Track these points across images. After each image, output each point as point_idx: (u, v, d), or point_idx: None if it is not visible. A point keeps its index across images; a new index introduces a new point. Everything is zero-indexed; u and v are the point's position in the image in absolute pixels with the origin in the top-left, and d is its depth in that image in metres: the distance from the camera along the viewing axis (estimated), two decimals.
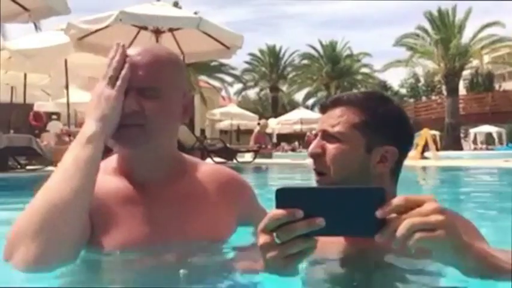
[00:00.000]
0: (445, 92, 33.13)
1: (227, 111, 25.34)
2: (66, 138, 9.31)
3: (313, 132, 1.37)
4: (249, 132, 19.44)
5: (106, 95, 1.20)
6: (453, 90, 30.43)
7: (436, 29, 31.29)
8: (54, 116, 16.60)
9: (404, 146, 1.26)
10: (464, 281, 0.88)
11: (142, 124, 1.22)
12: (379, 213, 0.78)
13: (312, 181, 1.26)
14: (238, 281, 1.04)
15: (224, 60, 32.63)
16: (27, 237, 1.04)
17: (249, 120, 24.50)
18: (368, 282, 1.06)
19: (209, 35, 9.59)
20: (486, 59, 34.11)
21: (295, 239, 0.82)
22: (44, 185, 1.11)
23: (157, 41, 9.49)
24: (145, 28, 9.68)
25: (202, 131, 28.45)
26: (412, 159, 10.92)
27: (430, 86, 49.12)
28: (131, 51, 1.26)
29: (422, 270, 1.05)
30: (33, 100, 15.47)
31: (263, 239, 0.85)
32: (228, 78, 40.12)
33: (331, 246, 1.13)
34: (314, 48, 47.10)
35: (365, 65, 47.37)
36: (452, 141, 28.62)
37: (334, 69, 44.83)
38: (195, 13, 10.96)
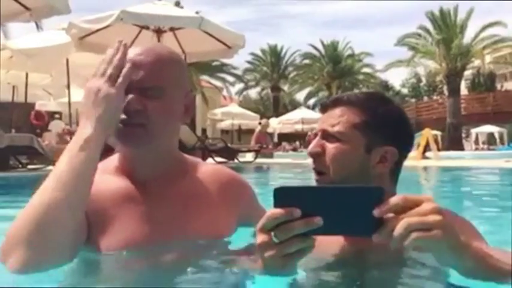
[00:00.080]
0: (446, 92, 33.06)
1: (228, 110, 25.36)
2: (68, 138, 9.32)
3: (314, 131, 1.37)
4: (250, 132, 19.44)
5: (105, 94, 1.16)
6: (455, 90, 30.38)
7: (438, 29, 31.23)
8: (56, 116, 16.65)
9: (404, 146, 1.26)
10: (464, 281, 0.88)
11: (144, 124, 1.21)
12: (376, 212, 0.79)
13: (312, 181, 1.26)
14: (238, 280, 1.04)
15: (226, 60, 32.66)
16: (22, 242, 1.03)
17: (250, 120, 24.51)
18: (367, 282, 1.06)
19: (211, 35, 9.59)
20: (488, 59, 34.06)
21: (293, 238, 0.82)
22: (39, 188, 1.09)
23: (158, 40, 9.49)
24: (147, 28, 9.69)
25: (204, 131, 28.46)
26: (413, 160, 10.92)
27: (432, 86, 49.07)
28: (133, 51, 1.25)
29: (421, 270, 1.05)
30: (34, 99, 15.50)
31: (261, 238, 0.85)
32: (230, 78, 40.16)
33: (330, 245, 1.13)
34: (315, 48, 47.08)
35: (366, 65, 47.31)
36: (453, 142, 28.58)
37: (335, 69, 44.77)
38: (197, 13, 10.94)
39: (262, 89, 51.12)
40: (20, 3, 7.20)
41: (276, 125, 26.80)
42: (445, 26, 31.07)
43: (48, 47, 9.98)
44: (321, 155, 1.22)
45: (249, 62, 48.68)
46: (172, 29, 9.88)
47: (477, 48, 30.30)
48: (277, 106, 46.06)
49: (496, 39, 30.38)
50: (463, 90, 35.67)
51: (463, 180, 7.24)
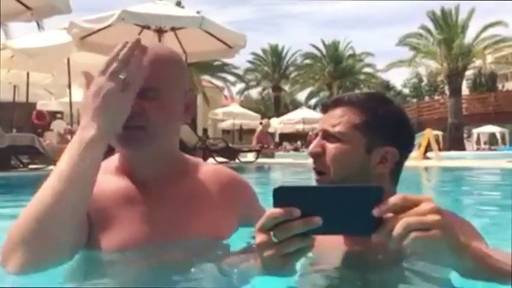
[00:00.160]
0: (447, 92, 33.06)
1: (229, 110, 25.37)
2: (69, 137, 9.33)
3: (314, 131, 1.38)
4: (252, 131, 19.45)
5: (112, 94, 1.11)
6: (456, 90, 30.37)
7: (439, 29, 31.23)
8: (58, 115, 16.67)
9: (405, 147, 1.26)
10: (463, 282, 0.87)
11: (144, 126, 1.20)
12: (375, 212, 0.79)
13: (313, 181, 1.26)
14: (237, 280, 1.04)
15: (227, 60, 32.73)
16: (23, 241, 1.03)
17: (252, 120, 24.52)
18: (366, 282, 1.06)
19: (212, 35, 9.60)
20: (489, 59, 34.00)
21: (292, 238, 0.82)
22: (41, 187, 1.08)
23: (159, 40, 9.50)
24: (148, 27, 9.71)
25: (205, 131, 28.49)
26: (414, 160, 10.91)
27: (433, 86, 49.09)
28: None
29: (420, 270, 1.05)
30: (35, 99, 15.53)
31: (260, 238, 0.85)
32: (231, 78, 40.17)
33: (329, 245, 1.13)
34: (316, 48, 47.13)
35: (368, 65, 47.35)
36: (455, 142, 28.56)
37: (336, 69, 44.79)
38: (198, 12, 10.94)
39: (264, 89, 51.20)
40: (21, 2, 7.21)
41: (277, 125, 26.81)
42: (447, 26, 31.06)
43: (50, 47, 9.99)
44: (321, 155, 1.22)
45: (250, 62, 48.80)
46: (173, 29, 9.89)
47: (478, 48, 30.28)
48: (278, 106, 46.09)
49: (498, 39, 30.37)
50: (465, 90, 35.65)
51: (464, 180, 7.23)
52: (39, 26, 20.72)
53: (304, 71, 47.96)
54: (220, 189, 1.38)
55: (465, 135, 33.59)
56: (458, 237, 0.81)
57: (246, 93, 50.50)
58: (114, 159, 1.33)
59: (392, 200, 0.80)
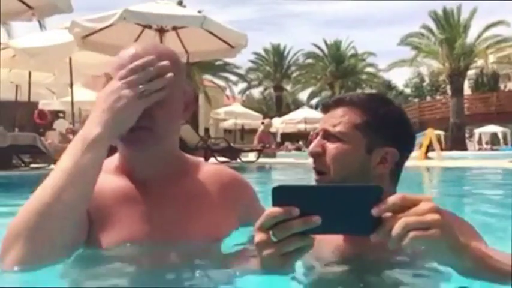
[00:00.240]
0: (449, 92, 33.02)
1: (231, 110, 25.38)
2: (71, 137, 9.33)
3: (315, 131, 1.38)
4: (253, 131, 19.47)
5: (126, 99, 1.12)
6: (458, 90, 30.34)
7: (441, 29, 31.19)
8: (60, 115, 16.70)
9: (405, 147, 1.26)
10: (463, 282, 0.87)
11: (150, 126, 1.21)
12: (374, 211, 0.79)
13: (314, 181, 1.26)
14: (236, 280, 1.04)
15: (228, 59, 32.71)
16: (21, 237, 1.03)
17: (253, 120, 24.52)
18: (365, 281, 1.06)
19: (213, 34, 9.60)
20: (491, 58, 33.89)
21: (291, 237, 0.83)
22: (41, 184, 1.08)
23: (161, 39, 9.51)
24: (150, 27, 9.70)
25: (207, 130, 28.51)
26: (416, 160, 10.90)
27: (435, 86, 49.01)
28: (128, 52, 1.24)
29: (420, 270, 1.04)
30: (37, 98, 15.57)
31: (259, 237, 0.85)
32: (233, 77, 40.16)
33: (328, 244, 1.13)
34: (318, 48, 47.12)
35: (369, 65, 47.33)
36: (456, 142, 28.53)
37: (338, 69, 44.80)
38: (199, 12, 10.95)
39: (265, 89, 51.21)
40: (22, 1, 7.23)
41: (279, 124, 26.81)
42: (449, 25, 31.02)
43: (51, 46, 10.00)
44: (321, 155, 1.22)
45: (252, 62, 48.80)
46: (175, 28, 9.89)
47: (480, 48, 30.23)
48: (280, 106, 46.12)
49: (500, 38, 30.31)
50: (466, 90, 35.57)
51: (466, 180, 7.23)
52: (41, 26, 20.74)
53: (306, 70, 47.96)
54: (220, 189, 1.37)
55: (467, 135, 33.57)
56: (458, 237, 0.82)
57: (247, 92, 50.52)
58: (114, 159, 1.34)
59: (392, 199, 0.80)
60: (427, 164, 10.41)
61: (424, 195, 0.83)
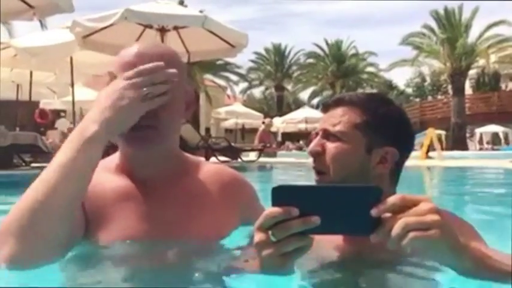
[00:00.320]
0: (451, 92, 32.97)
1: (232, 110, 25.37)
2: None
3: (315, 131, 1.38)
4: (254, 131, 19.46)
5: (127, 100, 1.11)
6: (459, 90, 30.31)
7: (443, 28, 31.15)
8: (62, 114, 16.72)
9: (405, 147, 1.26)
10: (463, 281, 0.87)
11: (155, 125, 1.21)
12: (374, 212, 0.79)
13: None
14: (236, 280, 1.04)
15: (229, 59, 32.67)
16: (12, 235, 1.02)
17: (254, 119, 24.52)
18: (365, 282, 1.06)
19: (214, 34, 9.59)
20: (492, 58, 33.82)
21: (291, 237, 0.82)
22: (34, 181, 1.07)
23: (162, 39, 9.50)
24: (151, 26, 9.70)
25: (207, 130, 28.51)
26: (417, 159, 10.90)
27: (436, 86, 48.94)
28: (129, 52, 1.24)
29: (419, 270, 1.04)
30: (38, 98, 15.58)
31: (259, 237, 0.85)
32: (234, 77, 40.11)
33: (328, 245, 1.13)
34: (319, 47, 47.06)
35: (370, 64, 47.26)
36: (458, 141, 28.51)
37: (339, 68, 44.75)
38: (201, 11, 10.97)
39: (266, 88, 51.17)
40: (23, 1, 7.22)
41: (280, 124, 26.81)
42: (450, 25, 30.98)
43: (52, 46, 10.00)
44: (321, 155, 1.22)
45: (253, 61, 48.74)
46: (176, 28, 9.88)
47: (482, 48, 30.19)
48: (281, 105, 46.09)
49: (501, 38, 30.27)
50: (468, 89, 35.51)
51: (467, 180, 7.22)
52: (42, 25, 20.76)
53: (307, 70, 47.92)
54: (220, 189, 1.37)
55: (468, 135, 33.50)
56: (457, 238, 0.82)
57: (248, 92, 50.48)
58: (114, 158, 1.34)
59: (391, 200, 0.80)
60: (428, 163, 10.40)
61: (424, 195, 0.82)
